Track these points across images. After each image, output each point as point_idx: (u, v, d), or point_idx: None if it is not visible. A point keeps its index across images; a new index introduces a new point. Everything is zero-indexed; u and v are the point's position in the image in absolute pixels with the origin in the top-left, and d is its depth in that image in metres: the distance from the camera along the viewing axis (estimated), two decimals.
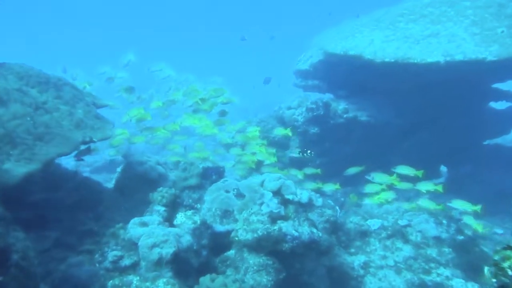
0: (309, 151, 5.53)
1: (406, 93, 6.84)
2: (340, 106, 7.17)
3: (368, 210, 5.98)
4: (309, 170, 5.07)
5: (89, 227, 4.24)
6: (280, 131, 6.37)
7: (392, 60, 5.50)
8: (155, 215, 4.08)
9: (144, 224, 3.75)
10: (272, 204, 3.64)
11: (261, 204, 3.74)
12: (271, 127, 8.06)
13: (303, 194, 3.97)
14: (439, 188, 4.51)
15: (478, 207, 4.20)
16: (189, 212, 4.35)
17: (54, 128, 4.01)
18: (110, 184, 6.15)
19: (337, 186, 4.83)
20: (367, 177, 4.55)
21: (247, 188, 4.50)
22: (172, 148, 5.80)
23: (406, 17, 6.13)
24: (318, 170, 4.89)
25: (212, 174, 5.47)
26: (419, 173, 4.54)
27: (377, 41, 5.86)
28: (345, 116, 7.09)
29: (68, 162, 11.91)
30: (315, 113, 7.07)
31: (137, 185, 5.19)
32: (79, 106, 4.56)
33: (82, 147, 4.36)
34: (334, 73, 7.66)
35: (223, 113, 5.28)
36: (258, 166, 5.46)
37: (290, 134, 5.72)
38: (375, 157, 7.12)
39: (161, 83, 7.92)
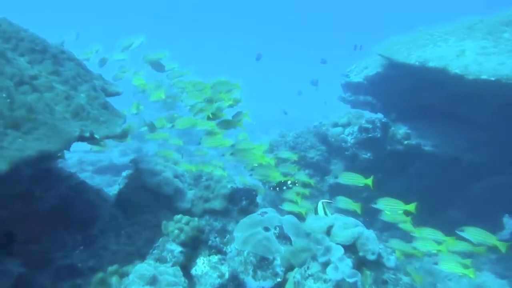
0: (289, 182, 4.28)
1: (488, 122, 5.51)
2: (401, 130, 5.88)
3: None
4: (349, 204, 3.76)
5: (70, 261, 2.99)
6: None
7: (492, 79, 4.22)
8: (168, 258, 2.82)
9: (154, 283, 2.46)
10: (345, 268, 2.35)
11: (326, 263, 2.45)
12: (309, 145, 6.81)
13: (390, 256, 2.66)
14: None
15: None
16: (215, 258, 3.06)
17: (40, 113, 2.82)
18: (113, 190, 4.93)
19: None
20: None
21: (296, 228, 3.23)
22: (164, 155, 4.61)
23: None
24: (358, 206, 3.52)
25: (242, 199, 4.21)
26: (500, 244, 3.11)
27: (470, 53, 4.59)
28: (405, 142, 5.79)
29: (70, 157, 10.83)
30: (370, 135, 5.79)
31: (146, 202, 3.96)
32: (82, 89, 3.38)
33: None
34: (394, 90, 6.39)
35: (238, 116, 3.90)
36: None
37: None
38: (434, 198, 5.79)
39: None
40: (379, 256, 2.76)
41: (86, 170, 9.11)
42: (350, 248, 2.57)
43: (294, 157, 4.71)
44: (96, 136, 3.10)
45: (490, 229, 5.35)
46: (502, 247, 2.92)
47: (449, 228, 5.97)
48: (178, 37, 43.60)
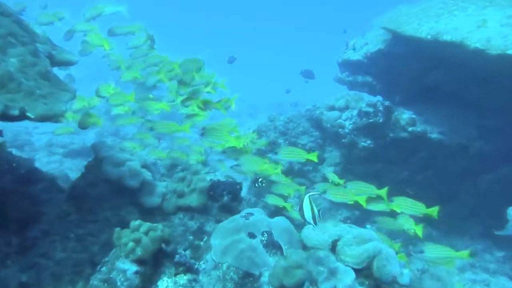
0: (260, 180, 3.65)
1: (502, 108, 4.89)
2: (405, 115, 5.22)
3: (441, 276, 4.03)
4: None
5: None
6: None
7: None
8: (118, 281, 2.12)
9: None
10: None
11: None
12: (301, 131, 6.12)
13: (404, 270, 2.02)
14: None
15: None
16: (183, 279, 2.35)
17: None
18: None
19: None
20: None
21: (290, 235, 2.56)
22: (141, 138, 3.95)
23: None
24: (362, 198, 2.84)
25: (223, 194, 3.52)
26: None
27: (493, 24, 3.91)
28: (410, 129, 5.14)
29: (39, 139, 9.95)
30: (371, 120, 5.12)
31: (106, 197, 3.24)
32: (14, 52, 2.60)
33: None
34: (397, 70, 5.71)
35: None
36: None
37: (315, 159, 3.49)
38: (439, 191, 5.20)
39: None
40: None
41: (55, 153, 8.30)
42: (363, 271, 1.91)
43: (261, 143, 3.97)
44: (29, 114, 2.34)
45: (495, 223, 4.84)
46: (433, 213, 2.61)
47: (450, 223, 5.44)
48: (170, 16, 41.50)
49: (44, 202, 3.16)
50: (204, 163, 4.02)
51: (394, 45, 5.55)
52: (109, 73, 4.11)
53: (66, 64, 3.08)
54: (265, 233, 2.64)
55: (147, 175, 3.39)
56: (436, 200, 3.28)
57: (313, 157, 2.88)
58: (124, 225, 3.15)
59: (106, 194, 3.23)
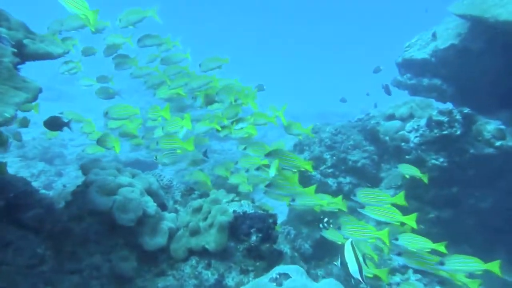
0: (326, 220, 3.18)
1: None
2: (490, 125, 4.06)
3: None
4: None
5: None
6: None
7: None
8: None
9: None
10: None
11: None
12: (352, 144, 5.10)
13: None
14: None
15: None
16: None
17: None
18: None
19: None
20: None
21: None
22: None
23: None
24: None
25: (251, 231, 2.61)
26: None
27: None
28: (498, 144, 3.97)
29: (73, 152, 9.56)
30: (445, 132, 4.01)
31: (93, 236, 2.43)
32: None
33: None
34: (477, 70, 4.56)
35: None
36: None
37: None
38: None
39: None
40: None
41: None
42: None
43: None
44: None
45: None
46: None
47: None
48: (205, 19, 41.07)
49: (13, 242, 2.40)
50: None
51: (472, 38, 4.42)
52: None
53: (44, 57, 2.32)
54: None
55: (150, 206, 2.54)
56: None
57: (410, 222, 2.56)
58: (116, 276, 2.33)
59: (94, 231, 2.42)
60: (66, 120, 3.12)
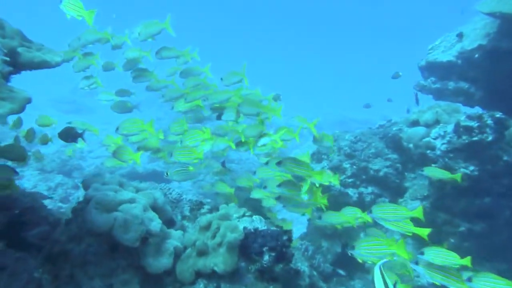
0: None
1: None
2: None
3: None
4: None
5: None
6: None
7: None
8: None
9: None
10: None
11: None
12: (373, 152, 4.83)
13: None
14: None
15: None
16: None
17: None
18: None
19: None
20: None
21: None
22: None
23: None
24: None
25: (262, 250, 2.39)
26: None
27: None
28: None
29: (91, 164, 9.55)
30: (475, 138, 3.70)
31: (93, 258, 2.26)
32: None
33: None
34: (506, 72, 4.23)
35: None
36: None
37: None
38: None
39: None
40: None
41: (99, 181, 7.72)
42: None
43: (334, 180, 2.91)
44: None
45: None
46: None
47: None
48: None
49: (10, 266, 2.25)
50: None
51: (503, 38, 4.12)
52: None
53: (40, 66, 2.19)
54: None
55: (154, 223, 2.36)
56: None
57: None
58: None
59: (94, 252, 2.25)
60: (80, 131, 3.03)
